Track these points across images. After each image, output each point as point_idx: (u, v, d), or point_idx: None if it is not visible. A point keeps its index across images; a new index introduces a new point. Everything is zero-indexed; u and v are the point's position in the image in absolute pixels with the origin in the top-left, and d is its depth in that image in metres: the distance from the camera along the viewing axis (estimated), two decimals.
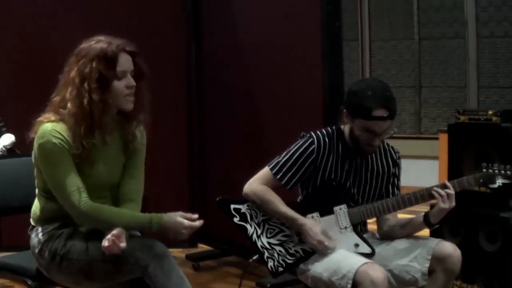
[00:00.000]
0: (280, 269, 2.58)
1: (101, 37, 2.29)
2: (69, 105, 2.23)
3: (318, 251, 2.52)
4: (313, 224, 2.54)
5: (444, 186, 2.50)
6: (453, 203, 2.48)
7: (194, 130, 4.48)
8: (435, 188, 2.50)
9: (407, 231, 2.62)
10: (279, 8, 3.81)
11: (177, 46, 4.41)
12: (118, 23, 4.16)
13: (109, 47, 2.25)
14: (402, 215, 2.69)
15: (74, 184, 2.22)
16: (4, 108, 3.95)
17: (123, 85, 2.27)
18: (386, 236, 2.66)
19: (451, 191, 2.48)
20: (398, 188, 2.72)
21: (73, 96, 2.23)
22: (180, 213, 2.25)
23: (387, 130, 2.52)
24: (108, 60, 2.23)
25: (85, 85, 2.22)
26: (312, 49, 3.54)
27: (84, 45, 2.29)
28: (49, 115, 2.27)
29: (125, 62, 2.27)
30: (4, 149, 3.35)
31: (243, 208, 2.62)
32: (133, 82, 2.29)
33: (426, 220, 2.53)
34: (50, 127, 2.22)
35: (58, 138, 2.20)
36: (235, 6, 4.17)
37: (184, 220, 2.23)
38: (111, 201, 2.38)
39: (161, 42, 4.36)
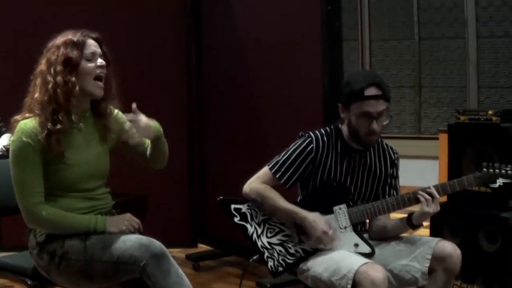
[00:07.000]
0: (280, 269, 2.58)
1: (67, 31, 2.35)
2: (36, 95, 2.28)
3: (323, 243, 2.51)
4: (315, 216, 2.53)
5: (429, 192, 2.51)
6: (438, 208, 2.49)
7: (194, 130, 4.48)
8: (420, 192, 2.51)
9: (395, 231, 2.63)
10: (279, 8, 3.81)
11: (177, 46, 4.40)
12: (117, 23, 4.17)
13: (75, 35, 2.32)
14: (401, 215, 2.69)
15: (35, 186, 2.24)
16: (4, 108, 3.94)
17: (93, 66, 2.30)
18: (376, 236, 2.66)
19: (436, 195, 2.49)
20: (396, 188, 2.71)
21: (40, 84, 2.28)
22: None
23: (383, 113, 2.51)
24: (74, 44, 2.29)
25: (51, 70, 2.27)
26: (312, 49, 3.54)
27: (52, 41, 2.35)
28: (23, 114, 2.30)
29: (92, 46, 2.33)
30: (4, 149, 3.33)
31: (244, 208, 2.63)
32: (103, 62, 2.33)
33: (410, 222, 2.55)
34: (23, 125, 2.25)
35: (29, 136, 2.22)
36: (235, 6, 4.17)
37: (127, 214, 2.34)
38: (106, 190, 2.44)
39: (161, 42, 4.36)
